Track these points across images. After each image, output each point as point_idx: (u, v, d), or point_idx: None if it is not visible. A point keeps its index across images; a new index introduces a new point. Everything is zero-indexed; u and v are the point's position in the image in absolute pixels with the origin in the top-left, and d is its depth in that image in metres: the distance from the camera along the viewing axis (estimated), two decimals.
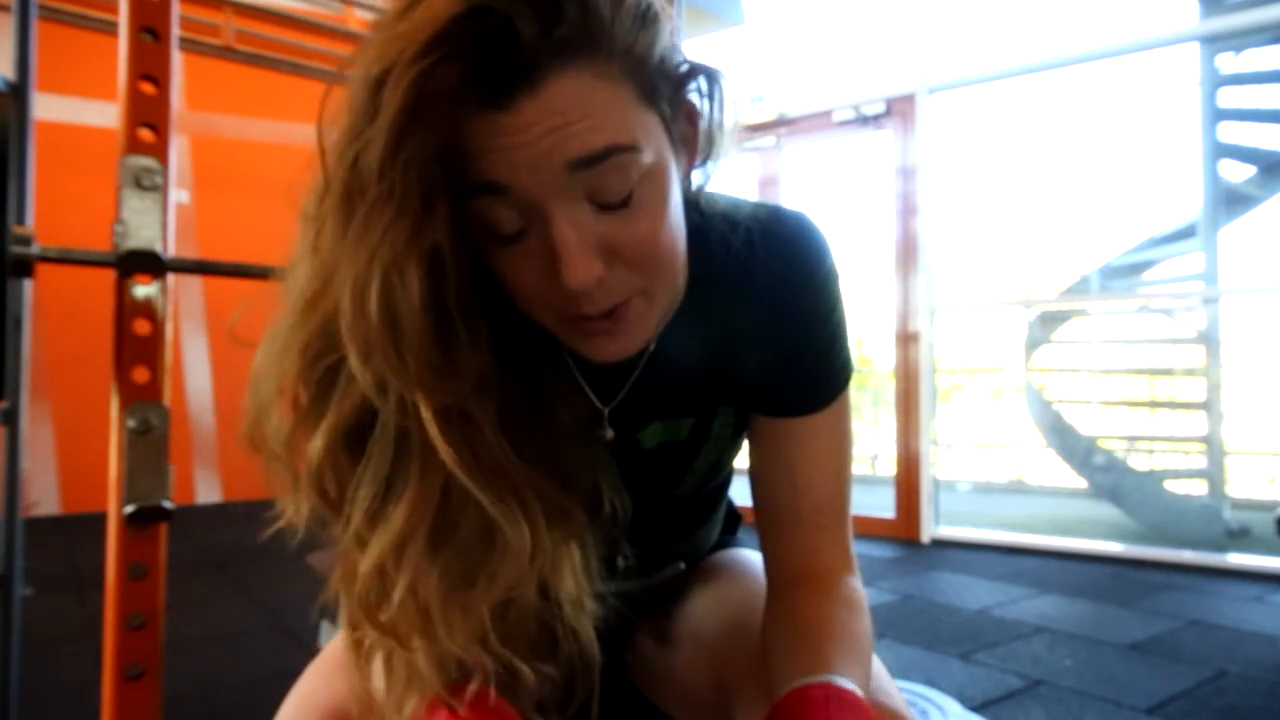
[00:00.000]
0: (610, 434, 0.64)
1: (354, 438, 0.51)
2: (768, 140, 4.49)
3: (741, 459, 0.75)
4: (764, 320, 0.63)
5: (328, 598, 0.56)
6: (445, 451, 0.49)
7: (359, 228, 0.46)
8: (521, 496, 0.52)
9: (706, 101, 0.56)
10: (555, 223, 0.49)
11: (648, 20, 0.50)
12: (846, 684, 0.54)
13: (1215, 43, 4.40)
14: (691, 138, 0.57)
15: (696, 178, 0.61)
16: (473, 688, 0.55)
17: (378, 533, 0.51)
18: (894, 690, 0.64)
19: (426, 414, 0.49)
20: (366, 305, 0.46)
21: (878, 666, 0.66)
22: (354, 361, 0.48)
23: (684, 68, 0.54)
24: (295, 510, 0.54)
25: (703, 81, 0.56)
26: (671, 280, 0.56)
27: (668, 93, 0.52)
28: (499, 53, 0.45)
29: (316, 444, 0.51)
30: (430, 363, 0.48)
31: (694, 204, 0.63)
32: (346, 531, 0.52)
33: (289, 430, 0.52)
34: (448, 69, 0.44)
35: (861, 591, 0.66)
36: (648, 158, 0.50)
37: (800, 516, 0.66)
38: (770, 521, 0.68)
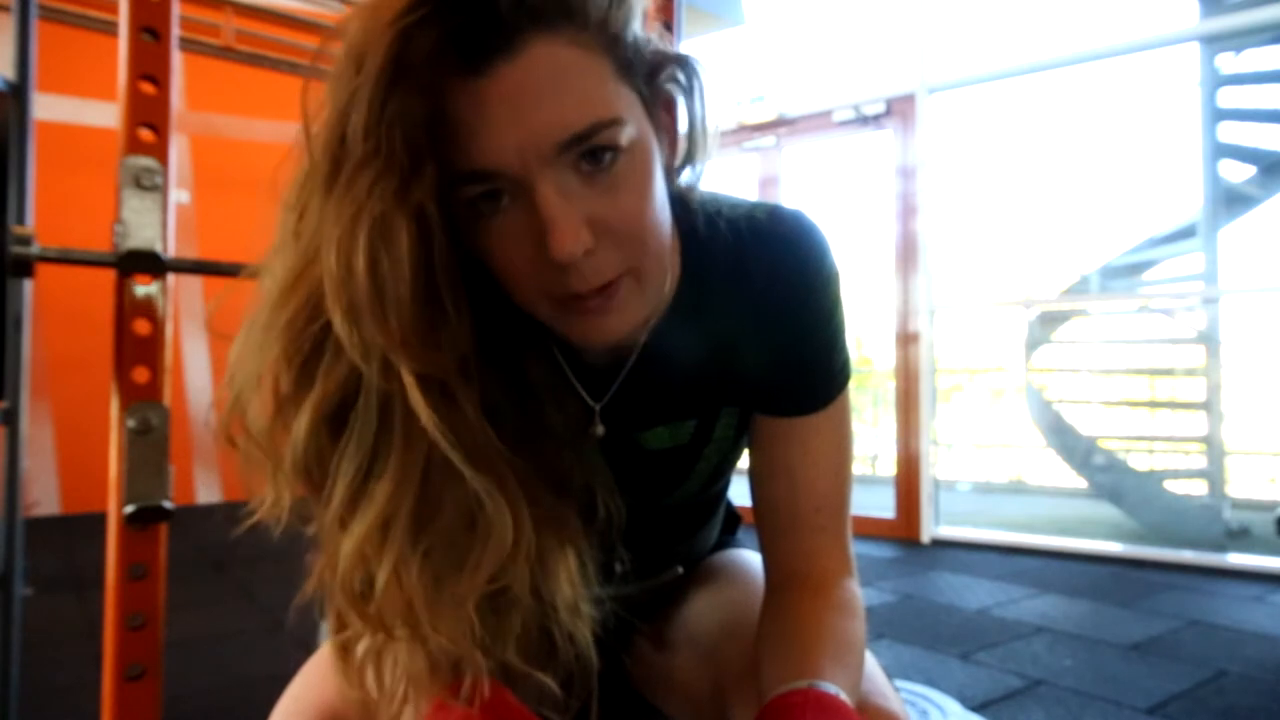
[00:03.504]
0: (601, 430, 0.64)
1: (338, 416, 0.51)
2: (768, 140, 4.48)
3: (741, 460, 0.75)
4: (763, 320, 0.63)
5: (311, 594, 0.55)
6: (426, 416, 0.48)
7: (344, 187, 0.46)
8: (502, 475, 0.52)
9: (684, 96, 0.57)
10: (542, 193, 0.49)
11: None
12: (831, 689, 0.54)
13: (1215, 43, 4.39)
14: (670, 128, 0.57)
15: (685, 176, 0.61)
16: (468, 683, 0.54)
17: (360, 513, 0.50)
18: (891, 693, 0.64)
19: (408, 378, 0.48)
20: (354, 260, 0.46)
21: (874, 669, 0.66)
22: (338, 322, 0.47)
23: (657, 54, 0.55)
24: (275, 502, 0.53)
25: (679, 73, 0.56)
26: (659, 260, 0.56)
27: (643, 73, 0.53)
28: (475, 18, 0.46)
29: (302, 421, 0.50)
30: (414, 327, 0.48)
31: (689, 203, 0.63)
32: (328, 514, 0.51)
33: (270, 416, 0.52)
34: (425, 31, 0.45)
35: (858, 595, 0.66)
36: (630, 130, 0.51)
37: (799, 516, 0.66)
38: (769, 521, 0.68)
